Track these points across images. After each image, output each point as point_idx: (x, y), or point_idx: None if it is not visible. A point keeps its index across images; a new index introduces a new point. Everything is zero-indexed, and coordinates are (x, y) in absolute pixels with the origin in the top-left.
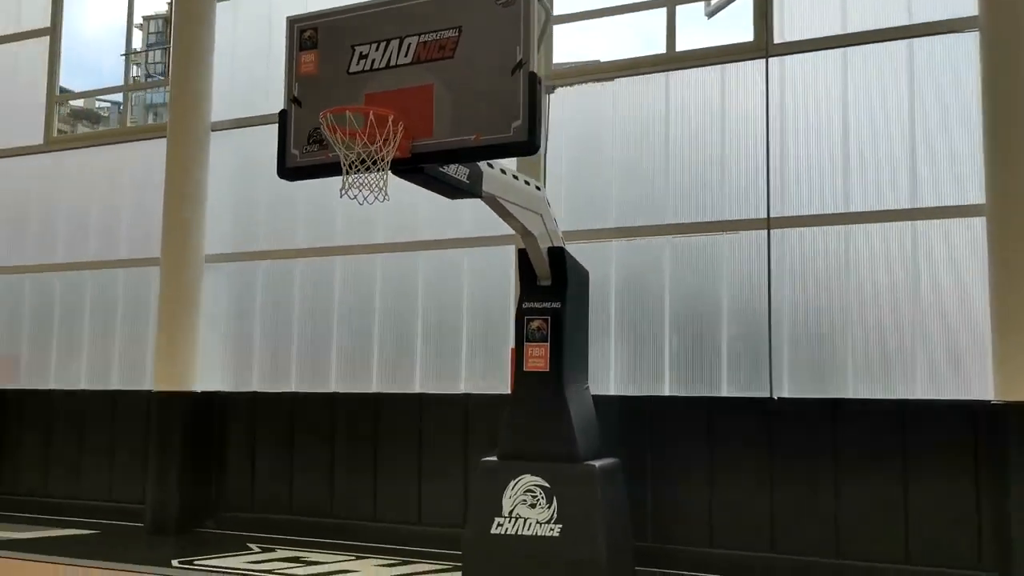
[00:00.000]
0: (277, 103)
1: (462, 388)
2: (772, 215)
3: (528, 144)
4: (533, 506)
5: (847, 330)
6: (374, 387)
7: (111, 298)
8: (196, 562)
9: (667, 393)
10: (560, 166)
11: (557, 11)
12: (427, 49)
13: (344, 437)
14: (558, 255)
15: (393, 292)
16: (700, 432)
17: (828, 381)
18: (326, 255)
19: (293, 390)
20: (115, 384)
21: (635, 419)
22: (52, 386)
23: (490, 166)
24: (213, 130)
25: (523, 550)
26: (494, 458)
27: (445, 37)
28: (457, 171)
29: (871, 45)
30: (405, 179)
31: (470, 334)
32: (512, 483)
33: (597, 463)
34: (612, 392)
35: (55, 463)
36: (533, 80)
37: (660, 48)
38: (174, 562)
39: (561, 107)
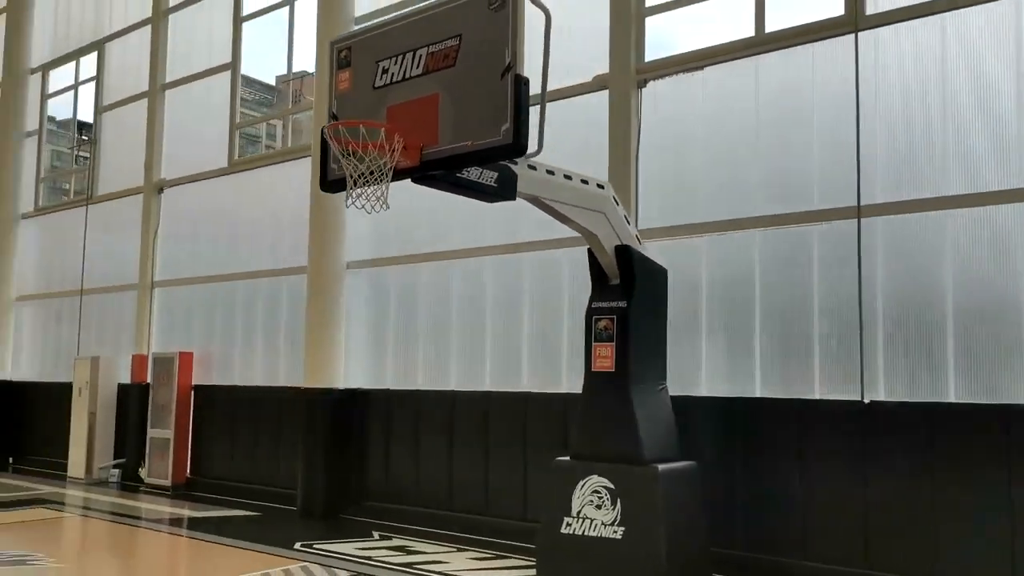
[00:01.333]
0: None
1: (564, 387)
2: (863, 203)
3: (514, 147)
4: (599, 507)
5: (947, 326)
6: (487, 385)
7: (278, 302)
8: (315, 546)
9: (757, 394)
10: (652, 162)
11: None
12: (434, 59)
13: (461, 433)
14: (624, 253)
15: (504, 294)
16: (790, 437)
17: (927, 382)
18: (445, 259)
19: (420, 387)
20: (282, 380)
21: (722, 421)
22: (236, 382)
23: (532, 168)
24: None
25: (588, 551)
26: (567, 458)
27: (448, 46)
28: (481, 175)
29: (973, 8)
30: (428, 186)
31: (570, 334)
32: (581, 483)
33: (662, 466)
34: (703, 393)
35: (238, 451)
36: (519, 82)
37: (748, 31)
38: (296, 544)
39: (653, 101)
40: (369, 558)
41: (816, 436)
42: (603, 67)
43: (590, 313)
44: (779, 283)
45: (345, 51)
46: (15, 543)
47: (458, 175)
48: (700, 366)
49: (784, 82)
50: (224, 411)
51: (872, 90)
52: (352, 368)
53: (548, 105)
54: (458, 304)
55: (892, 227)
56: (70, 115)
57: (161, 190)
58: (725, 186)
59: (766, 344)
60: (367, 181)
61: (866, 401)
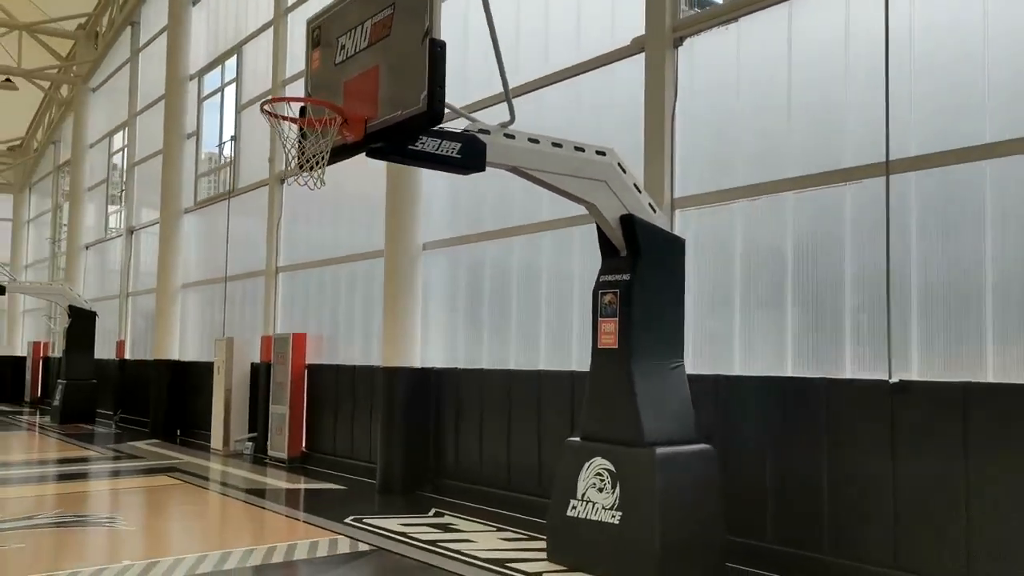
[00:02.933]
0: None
1: None
2: (892, 157)
3: (430, 114)
4: (601, 490)
5: (986, 295)
6: (541, 364)
7: (375, 283)
8: (364, 520)
9: (789, 373)
10: (688, 126)
11: None
12: (375, 30)
13: (518, 413)
14: (627, 223)
15: (556, 272)
16: (818, 420)
17: (964, 359)
18: (506, 236)
19: (484, 366)
20: (375, 360)
21: (750, 402)
22: (340, 362)
23: (509, 136)
24: None
25: (590, 535)
26: (578, 438)
27: (386, 16)
28: (440, 147)
29: None
30: (387, 160)
31: None
32: (586, 465)
33: (661, 449)
34: (736, 371)
35: (340, 427)
36: (433, 47)
37: None
38: (348, 518)
39: (690, 58)
40: (404, 534)
41: (843, 419)
42: (641, 30)
43: (596, 287)
44: (811, 251)
45: (316, 29)
46: (107, 507)
47: (411, 147)
48: (733, 342)
49: (817, 30)
50: (330, 389)
51: (906, 28)
52: (428, 347)
53: (586, 76)
54: (518, 281)
55: (926, 184)
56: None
57: (283, 181)
58: (759, 147)
59: (798, 318)
60: (314, 159)
61: (893, 380)
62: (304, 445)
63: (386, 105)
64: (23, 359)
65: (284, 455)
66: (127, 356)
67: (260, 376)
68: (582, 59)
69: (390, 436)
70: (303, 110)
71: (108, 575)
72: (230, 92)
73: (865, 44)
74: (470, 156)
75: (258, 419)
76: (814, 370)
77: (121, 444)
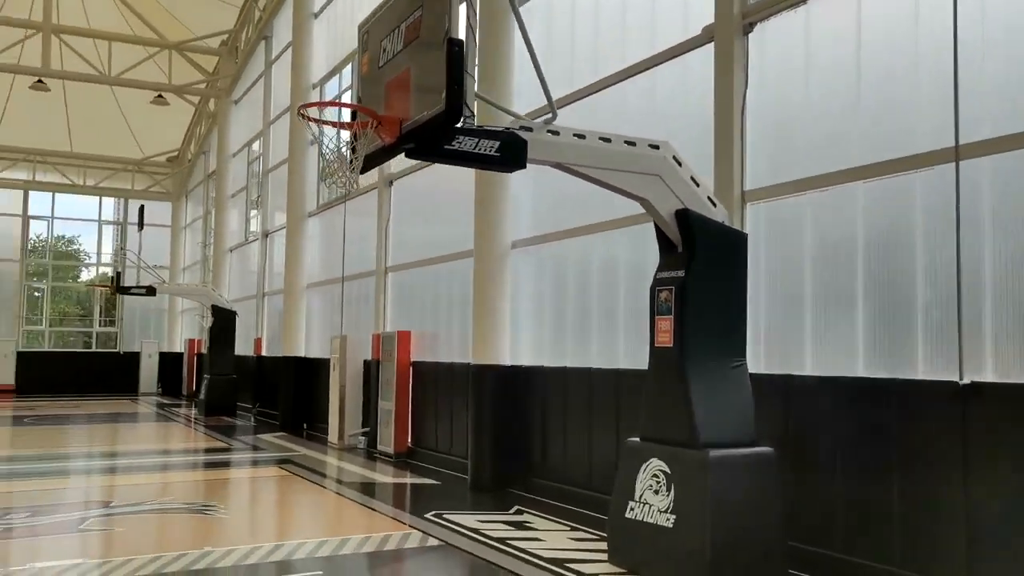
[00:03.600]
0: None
1: None
2: (962, 141)
3: (448, 113)
4: (656, 492)
5: None
6: (620, 363)
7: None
8: (444, 516)
9: (861, 373)
10: (758, 113)
11: None
12: (408, 32)
13: (599, 410)
14: (682, 218)
15: (633, 269)
16: (886, 424)
17: None
18: (587, 233)
19: (567, 364)
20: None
21: (817, 404)
22: (441, 359)
23: (554, 133)
24: None
25: (646, 537)
26: (638, 438)
27: (416, 18)
28: (478, 145)
29: None
30: (426, 160)
31: None
32: (644, 466)
33: (715, 452)
34: (807, 371)
35: (441, 423)
36: (451, 46)
37: None
38: (429, 513)
39: (760, 45)
40: (476, 531)
41: (914, 422)
42: (711, 18)
43: (653, 284)
44: (883, 244)
45: (366, 34)
46: (211, 496)
47: (447, 147)
48: (804, 340)
49: (886, 4)
50: (432, 386)
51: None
52: (517, 345)
53: (660, 68)
54: (597, 279)
55: (1002, 167)
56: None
57: (390, 183)
58: (828, 136)
59: (870, 314)
60: (350, 161)
61: (964, 382)
62: (410, 441)
63: (416, 106)
64: (181, 356)
65: (391, 450)
66: (264, 352)
67: (372, 372)
68: (656, 51)
69: (480, 433)
70: (353, 114)
71: (186, 560)
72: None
73: (934, 18)
74: (510, 154)
75: (371, 414)
76: (886, 370)
77: (249, 436)
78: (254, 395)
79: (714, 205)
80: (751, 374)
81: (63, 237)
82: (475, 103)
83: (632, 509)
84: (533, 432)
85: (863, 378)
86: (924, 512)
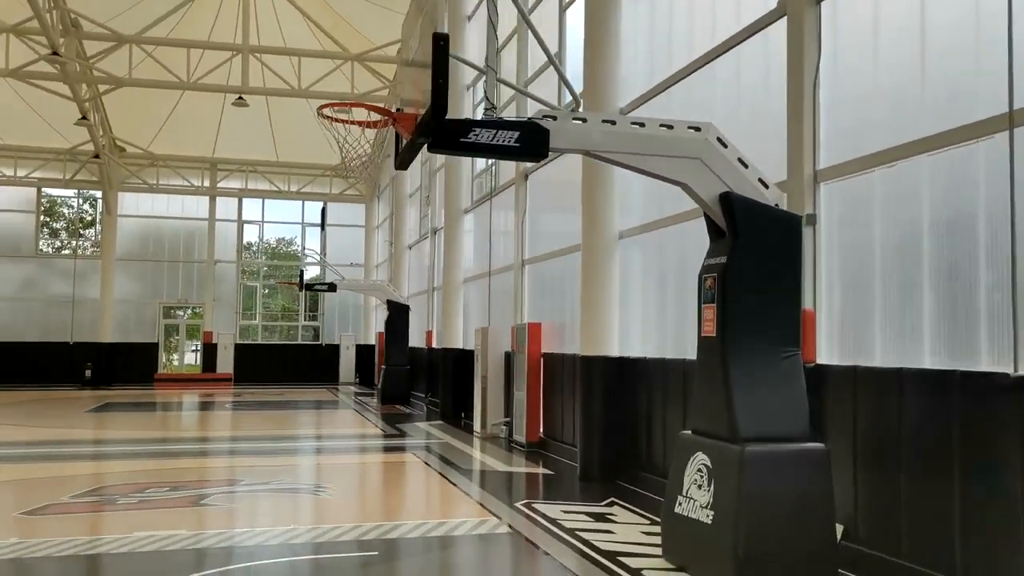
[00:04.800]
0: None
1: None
2: (1017, 106)
3: (434, 106)
4: (700, 487)
5: None
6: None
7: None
8: (533, 505)
9: (927, 364)
10: (829, 88)
11: None
12: (423, 32)
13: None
14: (724, 202)
15: None
16: (950, 419)
17: None
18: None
19: (667, 356)
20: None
21: (878, 398)
22: (566, 350)
23: (581, 120)
24: None
25: (691, 534)
26: (690, 431)
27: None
28: (496, 136)
29: None
30: (441, 153)
31: None
32: (691, 460)
33: (752, 446)
34: (874, 363)
35: (566, 414)
36: (436, 40)
37: None
38: (519, 503)
39: (832, 18)
40: (554, 520)
41: (975, 419)
42: None
43: (701, 272)
44: (946, 222)
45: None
46: (326, 478)
47: (463, 140)
48: (873, 329)
49: None
50: (560, 377)
51: None
52: (626, 336)
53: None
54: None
55: None
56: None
57: (526, 177)
58: (894, 108)
59: (934, 302)
60: (359, 158)
61: (1017, 373)
62: (541, 431)
63: (426, 102)
64: (373, 348)
65: (524, 439)
66: (434, 345)
67: (510, 364)
68: (741, 27)
69: (588, 425)
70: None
71: (267, 536)
72: None
73: None
74: (531, 144)
75: (511, 404)
76: (950, 360)
77: (407, 424)
78: (427, 385)
79: (765, 187)
80: (822, 365)
81: (283, 239)
82: (497, 94)
83: (680, 504)
84: (639, 424)
85: (929, 370)
86: (983, 515)
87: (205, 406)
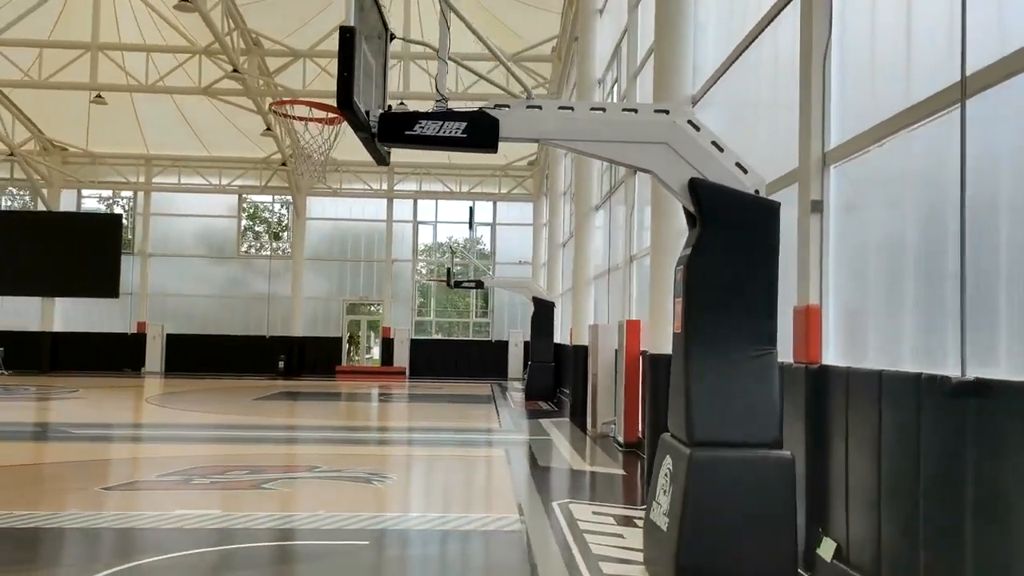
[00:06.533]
0: None
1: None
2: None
3: (338, 100)
4: (665, 492)
5: None
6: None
7: None
8: (569, 505)
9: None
10: (840, 63)
11: None
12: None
13: None
14: (692, 188)
15: None
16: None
17: None
18: None
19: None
20: None
21: (883, 403)
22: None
23: (535, 107)
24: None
25: (655, 540)
26: (667, 434)
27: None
28: (442, 128)
29: None
30: (391, 147)
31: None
32: (662, 464)
33: (704, 451)
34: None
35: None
36: (342, 33)
37: None
38: (556, 502)
39: None
40: (575, 519)
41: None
42: None
43: (677, 264)
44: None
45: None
46: (393, 468)
47: (408, 132)
48: (879, 325)
49: None
50: (661, 376)
51: None
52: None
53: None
54: None
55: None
56: None
57: (635, 172)
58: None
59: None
60: (315, 154)
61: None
62: (641, 431)
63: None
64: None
65: (622, 439)
66: (577, 341)
67: (617, 361)
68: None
69: (656, 424)
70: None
71: (280, 520)
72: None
73: None
74: (479, 134)
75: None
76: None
77: (530, 420)
78: (572, 382)
79: (744, 172)
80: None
81: (474, 238)
82: (445, 86)
83: (653, 510)
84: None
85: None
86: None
87: (360, 397)
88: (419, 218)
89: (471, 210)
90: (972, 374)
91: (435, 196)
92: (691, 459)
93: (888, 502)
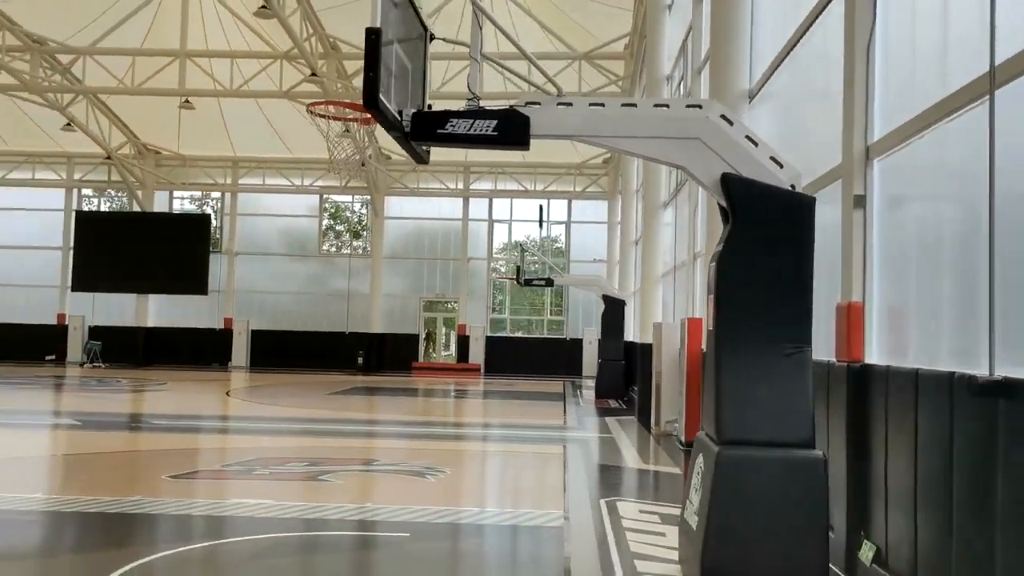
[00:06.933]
0: None
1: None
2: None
3: (364, 99)
4: (697, 491)
5: None
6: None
7: None
8: (616, 502)
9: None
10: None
11: None
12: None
13: None
14: (724, 183)
15: None
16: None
17: None
18: None
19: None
20: None
21: (921, 404)
22: None
23: (566, 104)
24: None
25: (688, 539)
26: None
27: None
28: (473, 126)
29: None
30: (425, 145)
31: None
32: (696, 462)
33: (732, 450)
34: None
35: None
36: (368, 35)
37: None
38: (606, 499)
39: None
40: (620, 517)
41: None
42: None
43: (711, 259)
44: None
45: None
46: (446, 462)
47: (440, 131)
48: (926, 323)
49: None
50: None
51: None
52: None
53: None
54: None
55: None
56: None
57: None
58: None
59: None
60: (346, 153)
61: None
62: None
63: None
64: None
65: (683, 438)
66: (644, 340)
67: (679, 360)
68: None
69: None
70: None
71: (342, 512)
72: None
73: None
74: (509, 132)
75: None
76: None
77: (595, 418)
78: (640, 380)
79: (780, 166)
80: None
81: (550, 237)
82: (480, 84)
83: (686, 509)
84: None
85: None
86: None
87: (430, 393)
88: (494, 217)
89: (541, 208)
90: (1000, 373)
91: (510, 195)
92: (718, 457)
93: (927, 505)
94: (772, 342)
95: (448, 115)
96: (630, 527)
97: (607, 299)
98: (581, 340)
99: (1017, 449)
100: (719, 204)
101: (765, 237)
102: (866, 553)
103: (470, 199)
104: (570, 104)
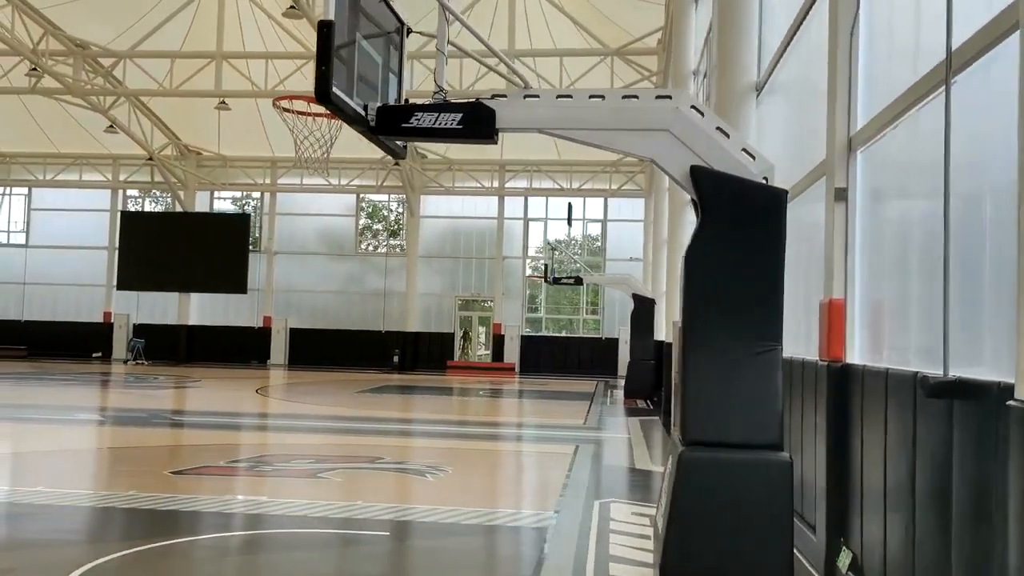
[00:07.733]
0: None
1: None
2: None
3: (316, 94)
4: (666, 493)
5: None
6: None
7: None
8: (611, 503)
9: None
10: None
11: None
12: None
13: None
14: (693, 176)
15: None
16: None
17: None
18: None
19: None
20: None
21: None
22: None
23: (533, 96)
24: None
25: (656, 543)
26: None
27: None
28: (438, 120)
29: None
30: (391, 139)
31: None
32: (668, 463)
33: (694, 451)
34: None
35: None
36: (320, 28)
37: None
38: (599, 500)
39: None
40: (606, 518)
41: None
42: None
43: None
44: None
45: None
46: (454, 461)
47: (404, 125)
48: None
49: None
50: None
51: None
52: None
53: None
54: None
55: None
56: None
57: None
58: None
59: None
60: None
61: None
62: None
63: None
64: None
65: None
66: (668, 339)
67: None
68: None
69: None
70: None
71: (334, 508)
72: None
73: None
74: (474, 125)
75: None
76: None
77: (618, 419)
78: (665, 380)
79: (752, 157)
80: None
81: (588, 235)
82: (444, 79)
83: (657, 511)
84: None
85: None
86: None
87: (459, 392)
88: (529, 215)
89: (570, 206)
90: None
91: (545, 193)
92: (680, 459)
93: (894, 510)
94: (741, 340)
95: (413, 108)
96: (617, 529)
97: (637, 298)
98: (616, 339)
99: (970, 450)
100: (690, 197)
101: (735, 231)
102: (844, 560)
103: (505, 198)
104: (537, 96)
